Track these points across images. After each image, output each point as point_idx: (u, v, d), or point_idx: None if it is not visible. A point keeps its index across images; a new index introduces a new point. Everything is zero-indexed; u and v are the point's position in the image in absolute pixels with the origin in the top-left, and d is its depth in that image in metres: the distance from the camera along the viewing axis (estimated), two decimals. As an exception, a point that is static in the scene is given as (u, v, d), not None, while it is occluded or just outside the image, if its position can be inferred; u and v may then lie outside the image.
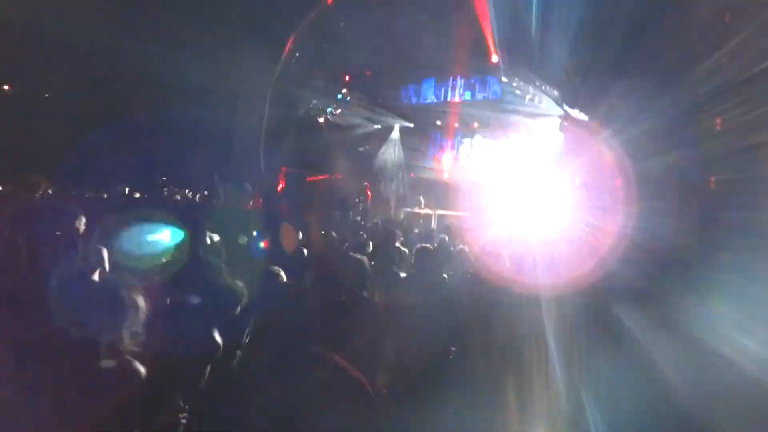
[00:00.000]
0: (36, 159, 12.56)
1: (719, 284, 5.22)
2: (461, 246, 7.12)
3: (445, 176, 19.33)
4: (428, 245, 5.72)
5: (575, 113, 15.49)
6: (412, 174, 19.84)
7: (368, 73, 18.17)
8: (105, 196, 11.19)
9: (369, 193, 16.44)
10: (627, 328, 3.72)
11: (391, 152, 20.13)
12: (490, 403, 3.45)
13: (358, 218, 13.46)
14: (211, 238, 3.81)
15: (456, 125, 19.69)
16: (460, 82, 18.41)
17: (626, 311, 3.91)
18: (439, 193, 17.82)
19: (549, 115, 16.60)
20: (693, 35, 9.69)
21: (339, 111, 18.86)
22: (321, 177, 19.94)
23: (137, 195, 12.49)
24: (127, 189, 12.16)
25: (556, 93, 15.69)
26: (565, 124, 16.14)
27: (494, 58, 15.46)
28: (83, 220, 3.19)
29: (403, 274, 5.03)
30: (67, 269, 2.76)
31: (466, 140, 19.73)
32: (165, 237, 3.25)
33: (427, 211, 16.35)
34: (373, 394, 1.99)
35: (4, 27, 12.26)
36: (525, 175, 16.78)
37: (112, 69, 14.62)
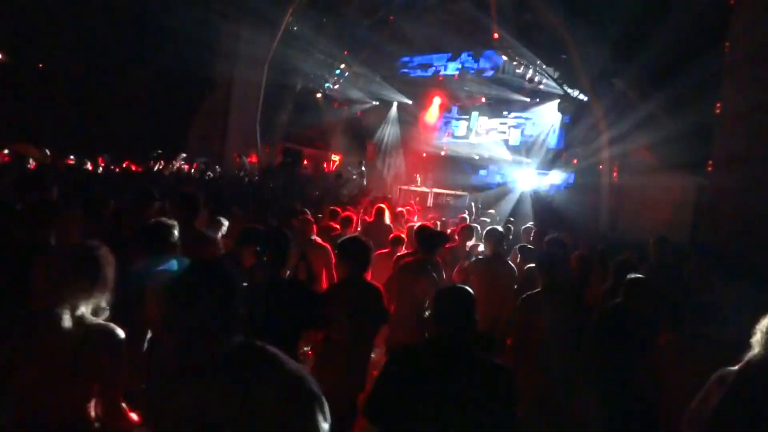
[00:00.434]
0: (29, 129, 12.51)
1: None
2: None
3: (442, 154, 19.25)
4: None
5: (575, 93, 15.37)
6: (408, 151, 19.75)
7: (367, 48, 17.94)
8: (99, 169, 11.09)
9: (363, 169, 16.38)
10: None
11: (388, 129, 20.01)
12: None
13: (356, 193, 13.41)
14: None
15: (455, 102, 19.52)
16: (461, 57, 18.20)
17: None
18: (436, 171, 17.76)
19: (549, 94, 16.47)
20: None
21: (337, 86, 18.66)
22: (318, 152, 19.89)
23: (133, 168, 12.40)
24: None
25: (556, 72, 15.53)
26: (564, 104, 16.03)
27: (495, 35, 15.24)
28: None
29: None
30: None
31: (464, 117, 19.59)
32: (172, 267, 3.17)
33: (423, 189, 16.32)
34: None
35: None
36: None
37: (108, 36, 14.45)
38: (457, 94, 19.03)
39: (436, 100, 19.46)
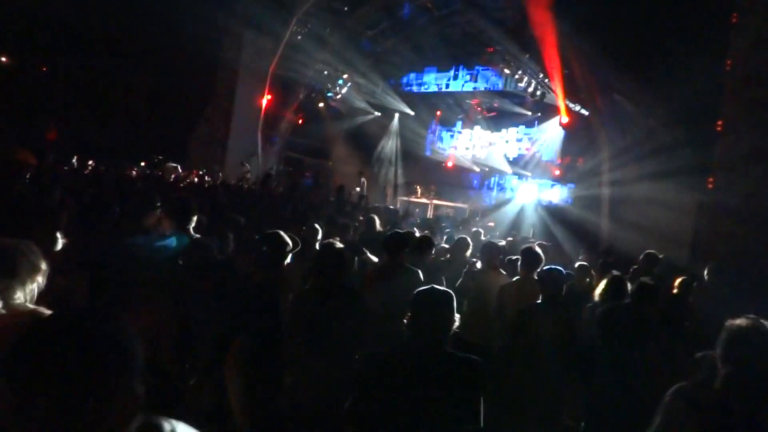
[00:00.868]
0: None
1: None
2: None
3: (443, 166, 19.29)
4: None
5: (576, 107, 15.42)
6: (409, 163, 19.79)
7: (371, 60, 18.03)
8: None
9: (364, 180, 16.41)
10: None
11: (390, 140, 20.06)
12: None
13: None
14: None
15: (457, 115, 19.60)
16: (462, 71, 18.28)
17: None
18: (437, 183, 17.79)
19: (550, 107, 16.52)
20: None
21: (339, 96, 18.71)
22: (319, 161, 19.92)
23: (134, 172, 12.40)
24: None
25: (557, 86, 15.57)
26: (566, 118, 16.06)
27: (493, 49, 15.35)
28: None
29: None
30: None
31: (466, 130, 19.66)
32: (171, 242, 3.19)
33: (423, 200, 16.34)
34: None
35: None
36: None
37: (110, 45, 14.55)
38: (458, 107, 19.12)
39: (438, 113, 19.54)
